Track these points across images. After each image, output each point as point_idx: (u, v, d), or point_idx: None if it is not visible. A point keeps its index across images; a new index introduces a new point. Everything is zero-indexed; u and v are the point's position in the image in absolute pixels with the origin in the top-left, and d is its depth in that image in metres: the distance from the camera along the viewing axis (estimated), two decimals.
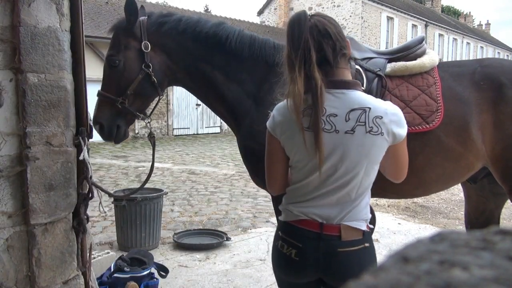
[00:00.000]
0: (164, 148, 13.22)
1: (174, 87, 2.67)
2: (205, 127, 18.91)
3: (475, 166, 2.20)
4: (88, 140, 2.26)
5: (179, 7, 22.41)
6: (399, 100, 2.14)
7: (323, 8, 24.98)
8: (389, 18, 26.94)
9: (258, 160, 2.16)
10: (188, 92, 2.51)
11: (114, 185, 7.55)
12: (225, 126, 14.13)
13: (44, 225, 2.09)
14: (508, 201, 2.43)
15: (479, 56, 36.04)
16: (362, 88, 1.57)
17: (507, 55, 41.89)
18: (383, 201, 6.08)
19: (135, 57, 2.25)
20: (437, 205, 6.38)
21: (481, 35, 40.65)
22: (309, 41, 1.40)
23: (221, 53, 2.28)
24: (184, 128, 18.00)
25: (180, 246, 4.32)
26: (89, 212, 2.35)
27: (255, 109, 2.25)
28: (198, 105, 17.40)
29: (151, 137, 2.44)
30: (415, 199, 6.20)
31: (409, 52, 2.33)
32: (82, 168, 2.24)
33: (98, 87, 2.35)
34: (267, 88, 2.23)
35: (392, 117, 1.42)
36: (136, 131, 15.38)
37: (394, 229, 5.00)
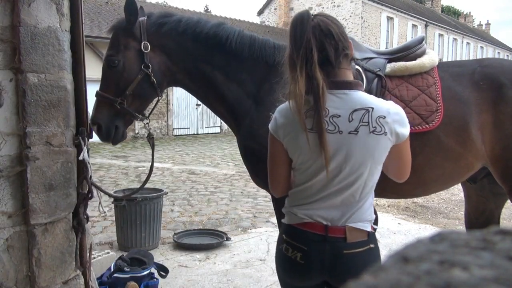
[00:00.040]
0: (164, 148, 13.22)
1: (174, 87, 2.65)
2: (205, 127, 18.91)
3: (475, 166, 2.20)
4: (88, 140, 2.26)
5: (179, 7, 22.42)
6: (399, 100, 2.14)
7: (323, 8, 24.99)
8: (389, 18, 26.95)
9: (258, 160, 2.16)
10: (188, 92, 2.51)
11: (114, 185, 7.55)
12: (225, 126, 14.12)
13: (44, 225, 2.09)
14: (508, 201, 2.43)
15: (479, 56, 36.04)
16: (362, 88, 1.57)
17: (507, 55, 41.88)
18: (383, 201, 6.08)
19: (135, 57, 2.24)
20: (437, 205, 6.38)
21: (481, 35, 40.65)
22: (311, 41, 1.39)
23: (221, 54, 2.28)
24: (184, 128, 18.00)
25: (180, 246, 4.32)
26: (89, 212, 2.35)
27: (255, 109, 2.25)
28: (198, 105, 17.40)
29: (150, 138, 2.43)
30: (415, 199, 6.20)
31: (409, 52, 2.33)
32: (82, 168, 2.24)
33: (98, 87, 2.35)
34: (267, 88, 2.23)
35: (395, 116, 1.41)
36: (136, 131, 15.38)
37: (394, 229, 5.00)
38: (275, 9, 28.47)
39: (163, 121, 17.13)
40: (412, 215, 5.82)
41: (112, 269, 3.08)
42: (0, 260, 1.98)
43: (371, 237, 1.48)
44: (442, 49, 32.16)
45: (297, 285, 1.56)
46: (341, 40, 1.43)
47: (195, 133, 18.36)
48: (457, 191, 6.62)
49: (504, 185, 2.19)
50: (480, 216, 2.61)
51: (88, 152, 2.28)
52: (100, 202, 2.38)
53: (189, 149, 13.44)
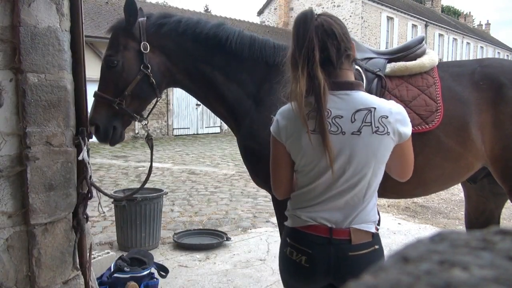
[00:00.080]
0: (164, 148, 13.22)
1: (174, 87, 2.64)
2: (205, 127, 18.91)
3: (475, 166, 2.20)
4: (88, 140, 2.26)
5: (179, 7, 22.42)
6: (399, 100, 2.14)
7: (323, 8, 24.98)
8: (389, 18, 26.95)
9: (258, 160, 2.17)
10: (188, 93, 2.50)
11: (114, 185, 7.55)
12: (225, 126, 14.11)
13: (44, 225, 2.09)
14: (508, 201, 2.43)
15: (479, 56, 36.04)
16: (363, 88, 1.57)
17: (507, 55, 41.89)
18: (383, 201, 6.08)
19: (134, 57, 2.24)
20: (437, 205, 6.38)
21: (481, 35, 40.66)
22: (313, 40, 1.38)
23: (221, 54, 2.28)
24: (184, 128, 18.00)
25: (180, 246, 4.32)
26: (89, 212, 2.35)
27: (255, 109, 2.25)
28: (198, 105, 17.40)
29: (149, 139, 2.43)
30: (415, 199, 6.20)
31: (409, 52, 2.33)
32: (82, 168, 2.24)
33: None
34: (267, 88, 2.23)
35: (397, 116, 1.41)
36: (136, 131, 15.39)
37: (394, 229, 5.00)
38: (275, 9, 28.47)
39: (163, 121, 17.13)
40: (412, 215, 5.82)
41: (112, 269, 3.08)
42: (0, 260, 1.98)
43: (375, 238, 1.48)
44: (442, 49, 32.16)
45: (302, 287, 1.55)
46: (343, 41, 1.42)
47: (195, 133, 18.36)
48: (457, 191, 6.62)
49: (504, 185, 2.19)
50: (480, 216, 2.61)
51: (88, 152, 2.27)
52: (99, 203, 2.38)
53: (189, 149, 13.45)
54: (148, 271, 3.16)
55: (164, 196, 4.54)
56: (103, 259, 3.46)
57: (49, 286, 2.13)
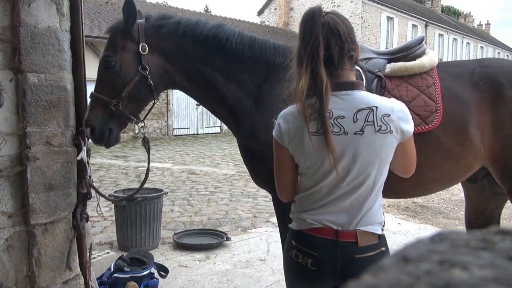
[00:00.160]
0: (164, 148, 13.22)
1: None
2: (205, 127, 18.92)
3: (474, 166, 2.20)
4: (88, 140, 2.26)
5: (179, 7, 22.42)
6: None
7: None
8: (389, 18, 26.95)
9: (259, 160, 2.17)
10: (186, 94, 2.50)
11: (114, 185, 7.55)
12: (225, 126, 14.12)
13: (44, 225, 2.09)
14: (508, 201, 2.43)
15: (479, 56, 36.04)
16: (364, 87, 1.56)
17: (507, 55, 41.89)
18: (383, 201, 6.07)
19: (132, 59, 2.23)
20: (437, 205, 6.38)
21: (481, 35, 40.66)
22: (319, 38, 1.37)
23: (221, 55, 2.28)
24: (184, 128, 18.00)
25: (180, 246, 4.32)
26: (89, 212, 2.35)
27: (256, 109, 2.25)
28: (198, 105, 17.38)
29: (145, 142, 2.41)
30: (415, 199, 6.20)
31: (408, 52, 2.33)
32: (82, 168, 2.24)
33: None
34: (267, 88, 2.23)
35: (399, 113, 1.40)
36: (136, 131, 15.37)
37: (394, 229, 5.00)
38: (275, 9, 28.46)
39: (163, 121, 17.13)
40: (412, 215, 5.82)
41: (112, 269, 3.08)
42: (0, 260, 1.98)
43: (381, 240, 1.47)
44: (442, 49, 32.16)
45: None
46: (347, 41, 1.41)
47: (195, 133, 18.37)
48: (457, 191, 6.62)
49: (504, 185, 2.19)
50: (480, 216, 2.61)
51: (89, 152, 2.27)
52: (98, 203, 2.38)
53: (189, 149, 13.44)
54: (148, 271, 3.16)
55: (164, 196, 4.54)
56: (103, 259, 3.47)
57: (49, 286, 2.13)
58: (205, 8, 46.15)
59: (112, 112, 2.22)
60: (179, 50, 2.28)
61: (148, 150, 2.42)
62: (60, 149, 2.14)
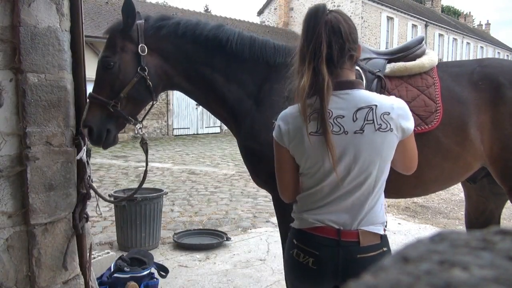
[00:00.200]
0: (164, 148, 13.22)
1: None
2: (205, 127, 18.92)
3: (474, 166, 2.21)
4: (88, 140, 2.26)
5: (179, 7, 22.41)
6: None
7: None
8: (389, 18, 26.95)
9: (259, 160, 2.17)
10: (185, 95, 2.49)
11: (114, 185, 7.55)
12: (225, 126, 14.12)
13: (44, 225, 2.10)
14: (508, 201, 2.43)
15: (479, 56, 36.03)
16: (363, 86, 1.56)
17: (507, 55, 41.89)
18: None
19: (131, 59, 2.22)
20: (437, 205, 6.38)
21: (481, 35, 40.66)
22: (322, 35, 1.37)
23: (221, 55, 2.27)
24: (184, 128, 18.00)
25: (180, 246, 4.32)
26: (88, 212, 2.35)
27: (256, 110, 2.25)
28: (198, 105, 17.24)
29: (143, 144, 2.41)
30: (415, 199, 6.20)
31: (408, 52, 2.33)
32: (82, 168, 2.24)
33: None
34: (267, 89, 2.23)
35: (399, 111, 1.40)
36: (136, 131, 15.36)
37: (394, 229, 5.00)
38: (275, 9, 28.46)
39: (163, 121, 17.13)
40: (412, 215, 5.82)
41: (112, 269, 3.08)
42: (0, 260, 1.98)
43: (383, 240, 1.46)
44: (442, 49, 32.16)
45: None
46: (348, 40, 1.41)
47: (195, 133, 18.37)
48: (457, 191, 6.62)
49: (504, 185, 2.19)
50: (480, 216, 2.61)
51: (89, 152, 2.27)
52: (97, 204, 2.38)
53: (189, 149, 13.44)
54: (148, 271, 3.16)
55: (164, 196, 4.54)
56: (103, 259, 3.47)
57: (49, 286, 2.13)
58: (205, 8, 46.16)
59: (110, 113, 2.20)
60: (179, 51, 2.28)
61: (146, 152, 2.41)
62: (60, 149, 2.14)
